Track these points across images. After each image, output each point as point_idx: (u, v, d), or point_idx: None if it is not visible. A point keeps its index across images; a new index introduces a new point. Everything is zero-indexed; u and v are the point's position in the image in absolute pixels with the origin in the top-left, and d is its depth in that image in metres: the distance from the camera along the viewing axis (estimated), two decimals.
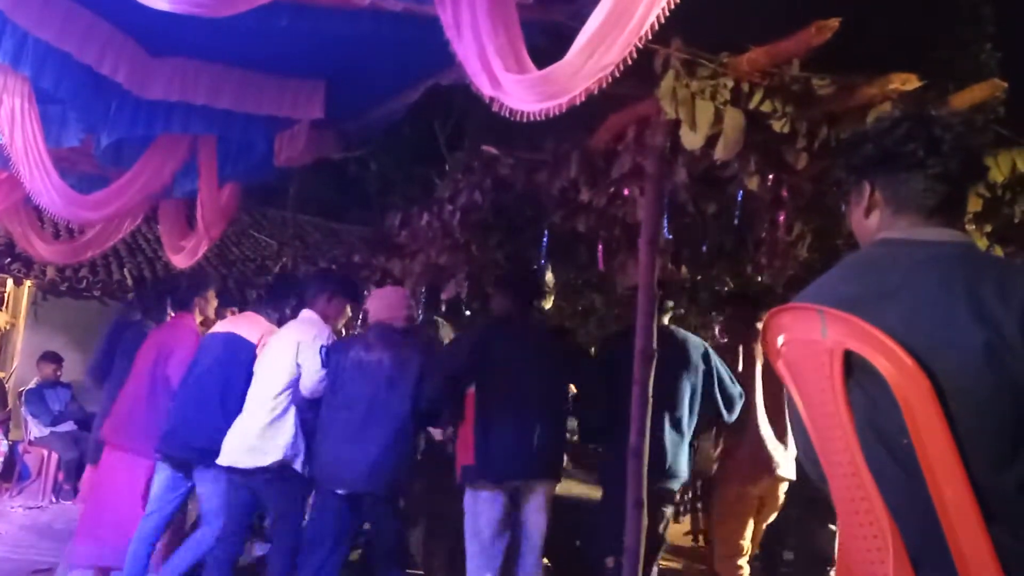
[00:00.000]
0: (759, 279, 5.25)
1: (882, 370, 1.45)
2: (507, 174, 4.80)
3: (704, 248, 4.97)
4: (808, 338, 1.60)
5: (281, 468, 4.20)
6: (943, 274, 1.49)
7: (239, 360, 4.44)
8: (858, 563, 1.55)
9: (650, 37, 2.34)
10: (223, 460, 4.24)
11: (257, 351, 4.45)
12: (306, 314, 4.53)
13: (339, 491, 4.13)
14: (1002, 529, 1.37)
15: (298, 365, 4.26)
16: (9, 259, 9.38)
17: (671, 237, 4.41)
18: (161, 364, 4.68)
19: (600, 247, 4.99)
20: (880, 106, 3.04)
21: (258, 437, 4.19)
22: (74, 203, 5.14)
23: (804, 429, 1.66)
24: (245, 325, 4.61)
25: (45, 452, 7.83)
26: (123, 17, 4.18)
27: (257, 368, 4.39)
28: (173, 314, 5.42)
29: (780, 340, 1.69)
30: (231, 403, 4.33)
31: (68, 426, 8.06)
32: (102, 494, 4.85)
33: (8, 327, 10.03)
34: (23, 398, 8.14)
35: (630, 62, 2.41)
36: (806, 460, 1.70)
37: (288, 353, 4.28)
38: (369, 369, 4.19)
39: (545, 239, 5.25)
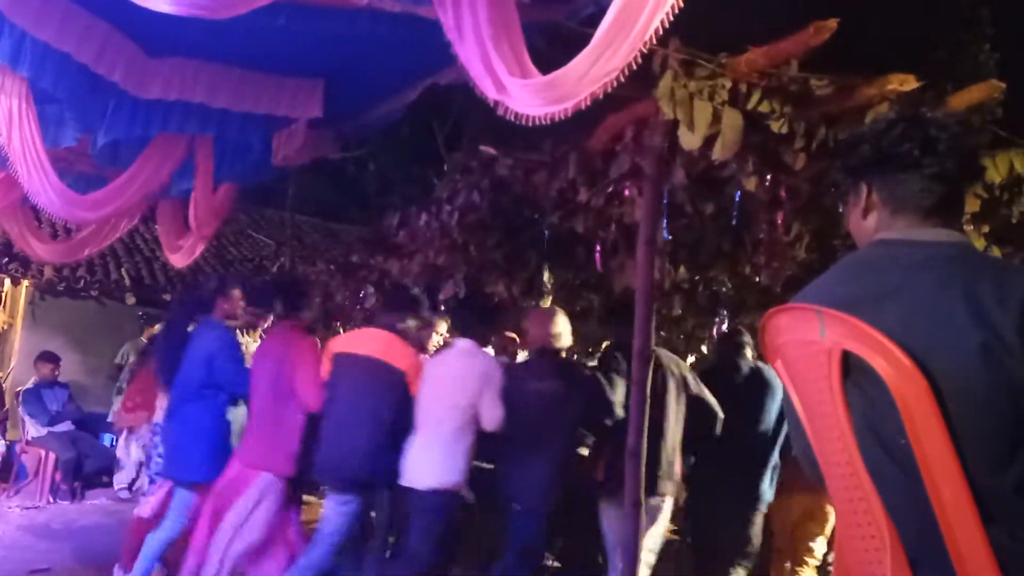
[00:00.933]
0: (757, 280, 5.25)
1: (880, 371, 1.45)
2: (505, 175, 4.80)
3: (702, 249, 4.98)
4: (806, 338, 1.59)
5: (455, 491, 4.30)
6: (941, 275, 1.50)
7: (391, 385, 4.38)
8: (856, 563, 1.55)
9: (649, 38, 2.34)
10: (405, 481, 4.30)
11: (408, 378, 4.42)
12: (467, 345, 4.49)
13: (517, 507, 4.29)
14: (1000, 529, 1.37)
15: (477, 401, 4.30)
16: (6, 259, 9.37)
17: (669, 237, 4.42)
18: (284, 378, 4.47)
19: (598, 248, 5.00)
20: (878, 107, 3.04)
21: (440, 460, 4.25)
22: (71, 203, 5.15)
23: (802, 430, 1.66)
24: (385, 348, 4.46)
25: (43, 452, 7.80)
26: (121, 17, 4.19)
27: (428, 397, 4.37)
28: (270, 322, 5.27)
29: (778, 340, 1.69)
30: (385, 429, 4.33)
31: (66, 426, 8.03)
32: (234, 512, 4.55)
33: (5, 327, 10.01)
34: (20, 398, 8.12)
35: (634, 66, 2.42)
36: (804, 460, 1.70)
37: (471, 388, 4.26)
38: (545, 398, 4.30)
39: (544, 239, 5.25)
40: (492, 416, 4.21)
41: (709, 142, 3.20)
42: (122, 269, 10.42)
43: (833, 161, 2.72)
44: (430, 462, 4.22)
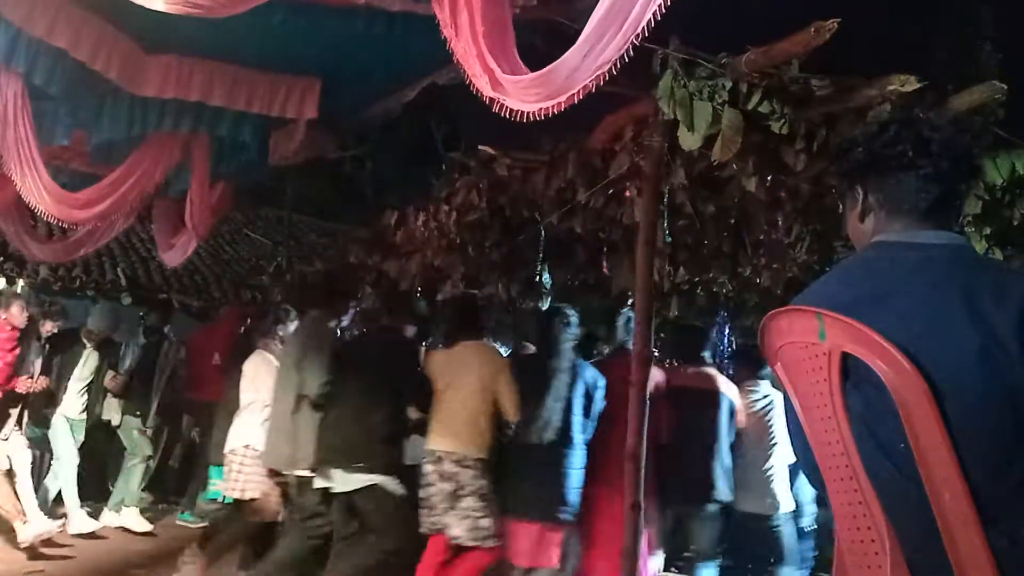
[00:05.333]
0: (757, 281, 5.23)
1: (880, 373, 1.43)
2: (504, 174, 4.78)
3: (702, 250, 4.95)
4: (806, 341, 1.58)
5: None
6: (938, 277, 1.49)
7: (727, 413, 4.62)
8: (855, 567, 1.54)
9: (648, 36, 2.32)
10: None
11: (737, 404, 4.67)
12: (713, 371, 4.75)
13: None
14: (999, 532, 1.36)
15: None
16: (1, 258, 9.33)
17: (669, 238, 4.40)
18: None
19: (598, 248, 4.98)
20: (879, 107, 3.02)
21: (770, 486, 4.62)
22: (63, 202, 5.11)
23: (801, 434, 1.64)
24: (714, 380, 4.68)
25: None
26: (116, 13, 4.16)
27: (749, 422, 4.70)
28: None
29: (778, 343, 1.67)
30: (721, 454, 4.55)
31: None
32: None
33: None
34: None
35: (627, 60, 2.39)
36: (804, 465, 1.69)
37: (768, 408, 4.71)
38: None
39: (543, 240, 5.23)
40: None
41: (709, 142, 3.18)
42: (118, 269, 10.39)
43: (832, 163, 2.70)
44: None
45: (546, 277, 5.76)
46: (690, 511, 4.61)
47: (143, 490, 6.84)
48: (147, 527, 6.48)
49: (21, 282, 9.39)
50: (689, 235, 4.75)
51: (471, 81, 2.96)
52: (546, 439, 4.09)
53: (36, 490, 5.97)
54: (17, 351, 5.82)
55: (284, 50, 4.48)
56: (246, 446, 4.86)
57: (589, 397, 4.24)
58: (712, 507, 4.53)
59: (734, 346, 5.54)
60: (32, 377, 6.01)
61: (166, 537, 6.35)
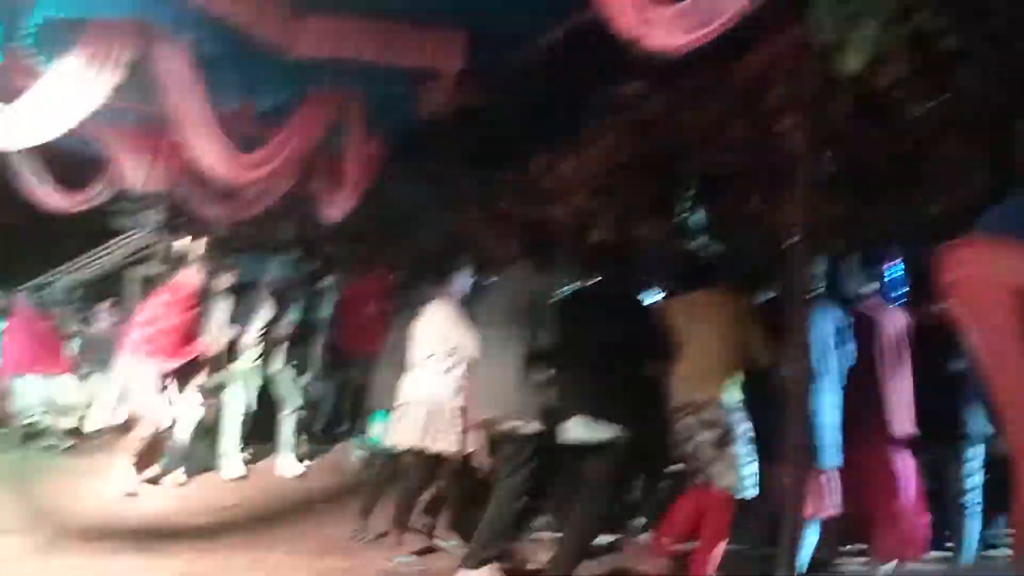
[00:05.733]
0: (929, 212, 4.89)
1: None
2: (651, 113, 4.68)
3: (868, 181, 4.68)
4: (986, 272, 1.47)
5: None
6: None
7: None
8: None
9: None
10: None
11: None
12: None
13: None
14: None
15: None
16: (183, 218, 10.01)
17: (832, 170, 4.18)
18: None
19: (754, 184, 4.81)
20: None
21: None
22: (236, 163, 5.43)
23: (981, 371, 1.54)
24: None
25: None
26: None
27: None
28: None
29: (957, 275, 1.56)
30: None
31: None
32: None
33: None
34: None
35: None
36: (984, 404, 1.59)
37: None
38: None
39: (695, 179, 5.11)
40: None
41: (872, 64, 2.98)
42: (285, 225, 10.92)
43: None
44: None
45: (700, 216, 5.62)
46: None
47: (300, 436, 7.17)
48: (300, 470, 6.89)
49: (198, 242, 10.07)
50: (853, 166, 4.49)
51: (614, 19, 2.89)
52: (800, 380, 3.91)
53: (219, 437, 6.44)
54: (196, 309, 6.23)
55: (428, 2, 4.53)
56: (432, 397, 4.83)
57: (839, 337, 4.15)
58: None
59: (904, 280, 5.22)
60: (209, 335, 6.44)
61: (326, 480, 6.73)
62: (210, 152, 5.21)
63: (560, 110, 5.84)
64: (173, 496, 6.07)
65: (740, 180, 5.09)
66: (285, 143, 5.61)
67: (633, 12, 2.79)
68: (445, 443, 4.77)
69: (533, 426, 4.24)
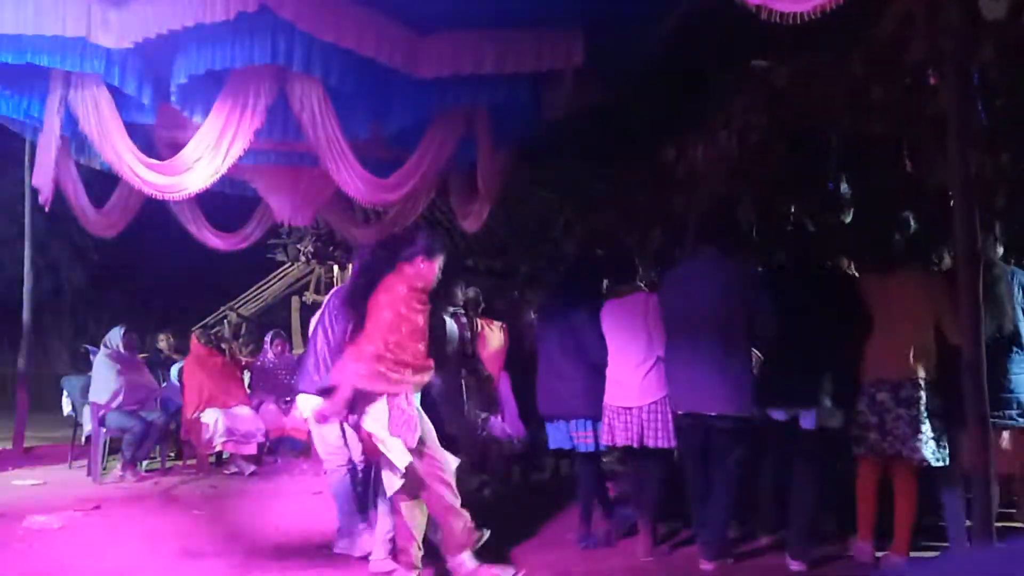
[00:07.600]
0: None
1: None
2: (783, 86, 4.50)
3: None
4: None
5: None
6: None
7: None
8: None
9: None
10: None
11: None
12: None
13: None
14: None
15: None
16: (331, 247, 10.49)
17: (986, 124, 3.88)
18: None
19: (900, 148, 4.53)
20: None
21: None
22: (375, 187, 5.65)
23: None
24: None
25: None
26: (387, 4, 4.46)
27: None
28: None
29: None
30: None
31: None
32: None
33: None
34: None
35: None
36: None
37: None
38: None
39: (835, 148, 4.87)
40: None
41: (1019, 8, 2.76)
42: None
43: None
44: None
45: (844, 187, 5.35)
46: None
47: None
48: None
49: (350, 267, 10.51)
50: (1009, 116, 4.16)
51: None
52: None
53: None
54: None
55: (541, 6, 4.55)
56: (643, 395, 4.54)
57: None
58: None
59: None
60: None
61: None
62: (349, 179, 5.44)
63: (687, 94, 5.70)
64: None
65: (884, 146, 4.82)
66: (419, 163, 5.78)
67: None
68: (659, 440, 4.52)
69: (744, 413, 4.23)
